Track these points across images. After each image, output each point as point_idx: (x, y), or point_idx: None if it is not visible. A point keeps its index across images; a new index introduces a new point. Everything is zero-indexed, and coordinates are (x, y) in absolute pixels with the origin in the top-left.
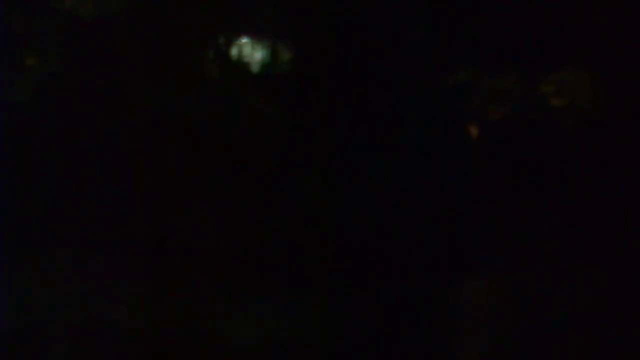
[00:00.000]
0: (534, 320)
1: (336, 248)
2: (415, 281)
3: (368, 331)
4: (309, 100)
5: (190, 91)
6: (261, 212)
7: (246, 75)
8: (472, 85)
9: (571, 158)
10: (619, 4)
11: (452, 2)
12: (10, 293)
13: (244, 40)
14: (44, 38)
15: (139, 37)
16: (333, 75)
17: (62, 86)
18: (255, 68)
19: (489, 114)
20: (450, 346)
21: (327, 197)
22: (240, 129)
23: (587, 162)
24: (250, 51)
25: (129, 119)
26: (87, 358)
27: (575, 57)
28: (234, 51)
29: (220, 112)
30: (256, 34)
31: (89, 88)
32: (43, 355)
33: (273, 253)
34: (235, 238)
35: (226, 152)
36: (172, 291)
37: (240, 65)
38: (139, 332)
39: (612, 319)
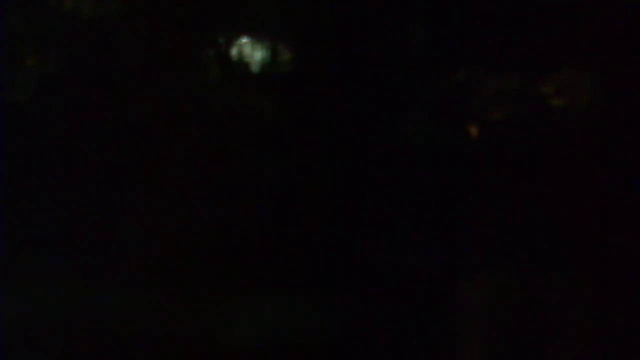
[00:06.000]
0: (532, 321)
1: (335, 247)
2: (413, 281)
3: (366, 331)
4: (309, 101)
5: (190, 91)
6: (260, 211)
7: (246, 75)
8: (472, 85)
9: (571, 158)
10: (619, 4)
11: (452, 2)
12: (9, 294)
13: (244, 40)
14: (44, 38)
15: (139, 37)
16: (332, 75)
17: (62, 86)
18: (255, 68)
19: (489, 114)
20: (448, 346)
21: (327, 196)
22: (240, 129)
23: (587, 162)
24: (250, 51)
25: (129, 119)
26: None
27: (575, 57)
28: (234, 51)
29: (219, 112)
30: (256, 34)
31: (89, 88)
32: (41, 356)
33: (273, 253)
34: (233, 237)
35: (225, 151)
36: (171, 291)
37: (240, 65)
38: (137, 333)
39: (611, 319)
